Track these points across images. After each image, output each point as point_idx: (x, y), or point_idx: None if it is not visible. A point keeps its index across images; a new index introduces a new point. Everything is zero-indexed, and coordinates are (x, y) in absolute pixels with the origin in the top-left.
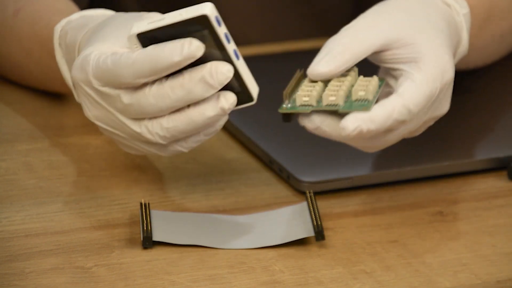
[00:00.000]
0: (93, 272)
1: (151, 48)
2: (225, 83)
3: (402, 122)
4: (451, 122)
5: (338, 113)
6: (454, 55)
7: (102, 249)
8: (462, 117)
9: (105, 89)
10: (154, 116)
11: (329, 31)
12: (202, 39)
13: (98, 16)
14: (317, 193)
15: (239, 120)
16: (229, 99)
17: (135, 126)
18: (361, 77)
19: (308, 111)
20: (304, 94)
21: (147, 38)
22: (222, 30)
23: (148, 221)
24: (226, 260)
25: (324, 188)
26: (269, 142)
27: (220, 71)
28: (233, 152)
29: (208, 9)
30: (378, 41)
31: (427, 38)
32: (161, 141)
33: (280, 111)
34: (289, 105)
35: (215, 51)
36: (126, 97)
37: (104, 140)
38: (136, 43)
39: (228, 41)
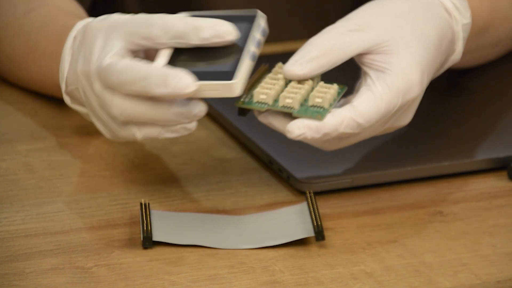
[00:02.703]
0: (93, 272)
1: (145, 63)
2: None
3: (350, 134)
4: (451, 122)
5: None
6: (445, 62)
7: (102, 249)
8: (462, 117)
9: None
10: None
11: None
12: None
13: None
14: (317, 193)
15: (239, 120)
16: (181, 81)
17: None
18: (322, 83)
19: (263, 110)
20: (262, 92)
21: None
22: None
23: (148, 221)
24: (226, 260)
25: (324, 188)
26: (269, 142)
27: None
28: (233, 152)
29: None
30: (358, 49)
31: (406, 51)
32: (118, 116)
33: (236, 104)
34: (246, 100)
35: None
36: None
37: (104, 140)
38: None
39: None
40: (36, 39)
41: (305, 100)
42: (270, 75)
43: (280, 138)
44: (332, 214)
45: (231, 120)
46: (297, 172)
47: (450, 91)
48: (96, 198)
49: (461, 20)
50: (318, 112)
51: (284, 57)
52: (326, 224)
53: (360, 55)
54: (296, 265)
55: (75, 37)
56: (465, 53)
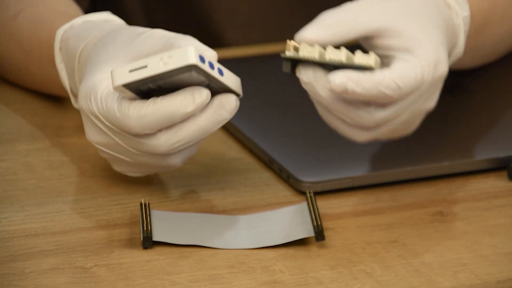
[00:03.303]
0: (93, 272)
1: (161, 100)
2: (235, 111)
3: (389, 97)
4: (451, 122)
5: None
6: (449, 55)
7: (102, 249)
8: (462, 117)
9: (112, 126)
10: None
11: None
12: (189, 74)
13: (101, 23)
14: (317, 193)
15: (239, 120)
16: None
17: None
18: (359, 51)
19: (312, 60)
20: (307, 47)
21: (135, 84)
22: (206, 64)
23: (148, 221)
24: (226, 260)
25: (324, 188)
26: (269, 142)
27: (231, 105)
28: (233, 152)
29: (193, 57)
30: (369, 26)
31: (423, 30)
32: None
33: (283, 56)
34: (291, 54)
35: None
36: (132, 141)
37: None
38: (123, 90)
39: (212, 67)
40: (29, 44)
41: (351, 58)
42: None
43: (280, 138)
44: (332, 214)
45: (231, 120)
46: (297, 172)
47: (451, 91)
48: (96, 198)
49: (461, 13)
50: (371, 68)
51: None
52: (326, 224)
53: (372, 38)
54: (296, 265)
55: (60, 49)
56: (466, 51)
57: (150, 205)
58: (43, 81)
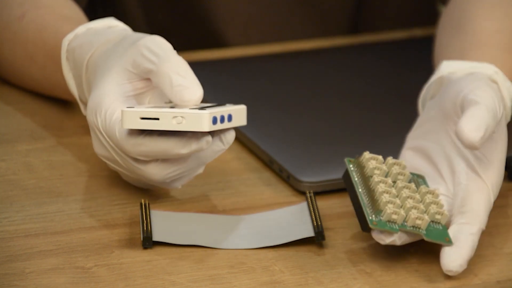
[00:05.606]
0: (93, 272)
1: (160, 137)
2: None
3: None
4: None
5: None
6: None
7: (102, 249)
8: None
9: (113, 145)
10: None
11: (331, 33)
12: None
13: (104, 30)
14: (317, 193)
15: None
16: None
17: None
18: (424, 186)
19: (396, 232)
20: (393, 212)
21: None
22: (218, 123)
23: (148, 221)
24: (226, 260)
25: (324, 188)
26: (269, 142)
27: (230, 138)
28: (233, 152)
29: (206, 125)
30: None
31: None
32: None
33: (372, 226)
34: (375, 219)
35: None
36: (131, 164)
37: None
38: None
39: (222, 120)
40: (33, 50)
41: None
42: (376, 179)
43: (280, 138)
44: (332, 214)
45: None
46: (297, 172)
47: None
48: (96, 198)
49: None
50: (446, 236)
51: (284, 57)
52: (326, 224)
53: None
54: (296, 265)
55: (67, 59)
56: None
57: (150, 205)
58: (48, 86)
